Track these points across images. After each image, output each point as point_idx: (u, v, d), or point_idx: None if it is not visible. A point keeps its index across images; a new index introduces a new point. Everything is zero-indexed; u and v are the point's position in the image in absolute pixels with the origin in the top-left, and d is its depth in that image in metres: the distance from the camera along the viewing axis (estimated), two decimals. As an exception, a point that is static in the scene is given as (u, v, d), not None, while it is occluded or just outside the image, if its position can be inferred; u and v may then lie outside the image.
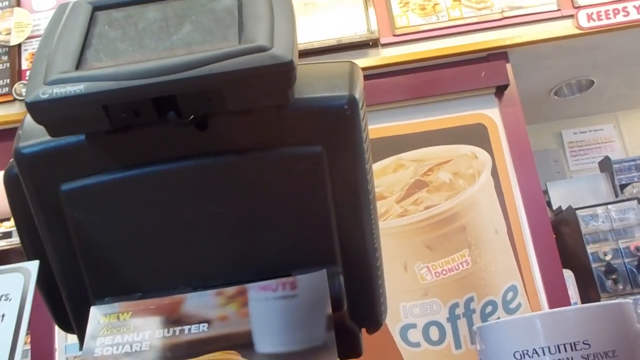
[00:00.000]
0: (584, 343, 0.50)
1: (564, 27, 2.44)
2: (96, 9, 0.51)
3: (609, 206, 2.79)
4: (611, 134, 3.69)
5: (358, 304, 0.60)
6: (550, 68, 2.78)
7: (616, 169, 3.20)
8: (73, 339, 1.52)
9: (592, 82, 3.09)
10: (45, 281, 0.59)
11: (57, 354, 2.47)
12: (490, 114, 2.36)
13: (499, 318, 1.87)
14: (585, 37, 2.46)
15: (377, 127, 2.27)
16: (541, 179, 2.48)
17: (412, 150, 2.27)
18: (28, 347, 2.40)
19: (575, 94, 3.18)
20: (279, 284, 0.54)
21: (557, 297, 2.17)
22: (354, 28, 2.38)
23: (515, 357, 0.52)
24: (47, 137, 0.51)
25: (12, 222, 2.83)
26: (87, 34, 0.49)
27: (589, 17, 2.44)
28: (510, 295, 2.12)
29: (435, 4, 2.47)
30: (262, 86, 0.45)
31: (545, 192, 3.11)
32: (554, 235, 2.34)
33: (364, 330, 0.65)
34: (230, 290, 0.55)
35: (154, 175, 0.53)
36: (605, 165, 3.28)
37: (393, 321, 2.07)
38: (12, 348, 0.50)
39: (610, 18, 2.45)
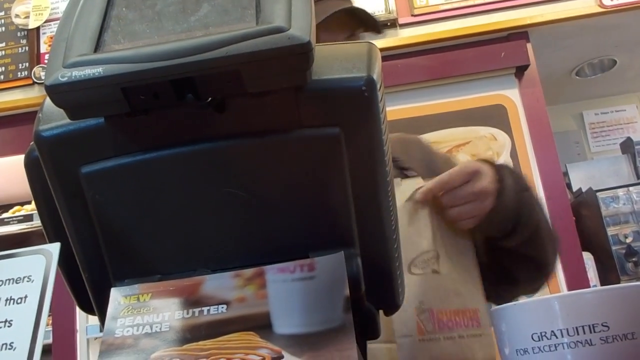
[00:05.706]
0: (602, 325, 0.50)
1: (587, 6, 2.40)
2: (114, -9, 0.51)
3: (630, 188, 2.76)
4: (634, 115, 3.64)
5: (376, 285, 0.59)
6: (572, 47, 2.74)
7: (638, 151, 3.15)
8: (94, 320, 1.54)
9: (615, 62, 3.04)
10: (66, 263, 0.60)
11: (78, 335, 2.51)
12: (510, 95, 2.34)
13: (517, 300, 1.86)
14: (608, 15, 2.42)
15: (395, 108, 2.25)
16: (561, 161, 2.46)
17: (430, 132, 2.25)
18: (50, 328, 2.45)
19: (597, 73, 3.13)
20: (297, 265, 0.55)
21: (576, 280, 2.16)
22: (372, 8, 2.36)
23: (533, 339, 0.52)
24: (67, 120, 0.51)
25: (32, 205, 2.87)
26: (105, 16, 0.49)
27: (612, -4, 2.39)
28: (528, 277, 2.10)
29: (454, -16, 2.44)
30: (279, 67, 0.45)
31: (565, 173, 3.08)
32: (574, 218, 2.32)
33: (381, 312, 0.65)
34: (248, 272, 0.55)
35: (173, 158, 0.53)
36: (627, 146, 3.24)
37: (411, 303, 2.07)
38: (35, 328, 0.51)
39: (633, -4, 2.40)
